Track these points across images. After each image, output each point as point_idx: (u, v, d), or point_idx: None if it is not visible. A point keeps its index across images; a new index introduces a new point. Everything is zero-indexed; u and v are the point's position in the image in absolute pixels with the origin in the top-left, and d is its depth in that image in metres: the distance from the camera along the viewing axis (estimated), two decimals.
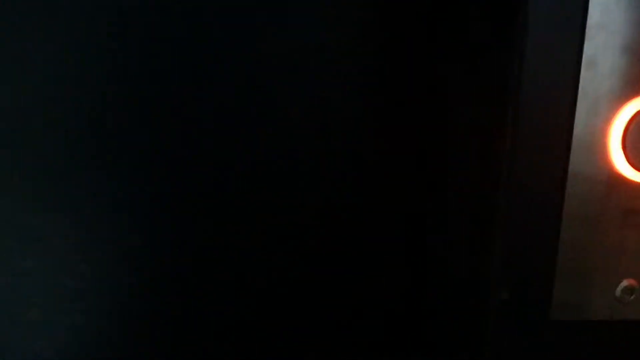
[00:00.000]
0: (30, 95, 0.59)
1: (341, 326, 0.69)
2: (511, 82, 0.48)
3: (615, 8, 0.47)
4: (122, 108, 0.61)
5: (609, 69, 0.48)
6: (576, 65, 0.48)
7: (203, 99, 0.61)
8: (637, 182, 0.49)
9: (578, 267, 0.50)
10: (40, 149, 0.61)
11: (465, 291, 0.59)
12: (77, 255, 0.64)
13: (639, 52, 0.48)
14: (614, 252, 0.50)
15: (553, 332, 0.51)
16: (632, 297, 0.50)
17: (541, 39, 0.47)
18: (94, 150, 0.61)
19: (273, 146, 0.63)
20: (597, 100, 0.48)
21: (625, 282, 0.51)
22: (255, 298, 0.67)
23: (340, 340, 0.70)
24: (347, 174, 0.65)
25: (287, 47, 0.61)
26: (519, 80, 0.48)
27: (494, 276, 0.50)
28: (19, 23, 0.58)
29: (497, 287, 0.50)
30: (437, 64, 0.61)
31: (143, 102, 0.61)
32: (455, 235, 0.61)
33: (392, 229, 0.67)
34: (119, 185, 0.63)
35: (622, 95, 0.48)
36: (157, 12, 0.59)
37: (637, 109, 0.48)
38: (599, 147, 0.49)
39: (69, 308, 0.66)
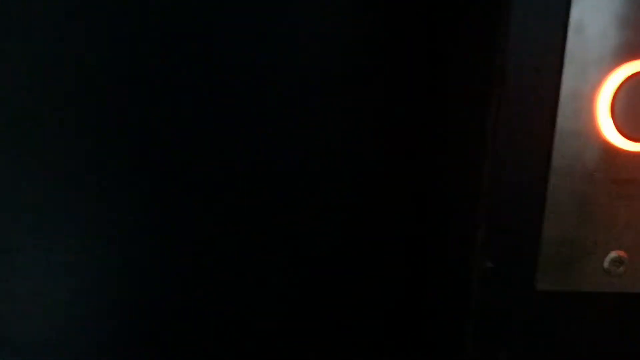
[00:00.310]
0: (29, 96, 0.60)
1: (341, 326, 0.68)
2: (497, 46, 0.48)
3: None
4: (121, 108, 0.61)
5: (597, 34, 0.47)
6: (563, 30, 0.47)
7: (202, 99, 0.62)
8: (626, 150, 0.48)
9: (565, 237, 0.49)
10: (38, 145, 0.62)
11: (464, 290, 0.58)
12: (75, 254, 0.64)
13: (628, 17, 0.47)
14: (602, 223, 0.49)
15: (539, 302, 0.49)
16: (620, 269, 0.49)
17: (528, 3, 0.47)
18: (93, 146, 0.62)
19: (272, 147, 0.63)
20: (585, 66, 0.48)
21: (613, 254, 0.49)
22: (255, 298, 0.67)
23: (340, 340, 0.68)
24: (346, 174, 0.65)
25: (286, 48, 0.62)
26: (504, 45, 0.47)
27: (478, 245, 0.48)
28: (19, 23, 0.59)
29: (481, 257, 0.48)
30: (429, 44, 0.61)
31: (142, 101, 0.61)
32: (453, 232, 0.60)
33: (392, 229, 0.67)
34: (119, 183, 0.63)
35: (611, 61, 0.48)
36: (157, 12, 0.59)
37: (626, 75, 0.48)
38: (586, 114, 0.48)
39: (66, 308, 0.65)
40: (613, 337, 0.51)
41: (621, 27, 0.47)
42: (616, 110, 0.48)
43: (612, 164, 0.48)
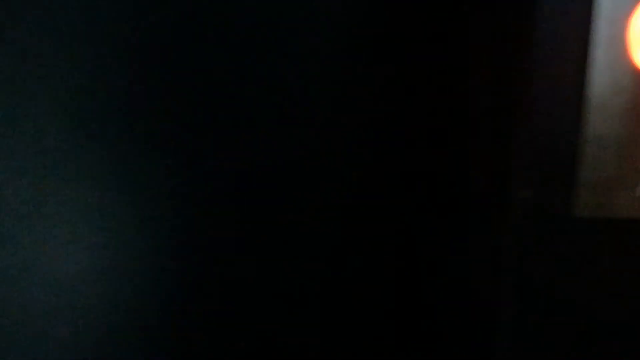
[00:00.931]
0: (33, 94, 0.59)
1: (341, 326, 0.68)
2: None
3: None
4: (120, 106, 0.61)
5: None
6: None
7: (201, 99, 0.61)
8: None
9: (600, 165, 0.49)
10: (43, 145, 0.60)
11: (466, 290, 0.58)
12: (77, 257, 0.63)
13: None
14: (636, 150, 0.49)
15: (575, 230, 0.49)
16: None
17: None
18: (101, 145, 0.61)
19: (269, 146, 0.63)
20: None
21: None
22: (254, 298, 0.66)
23: (340, 340, 0.68)
24: (346, 172, 0.65)
25: (289, 45, 0.61)
26: None
27: (515, 174, 0.49)
28: (23, 23, 0.58)
29: (518, 186, 0.49)
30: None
31: (142, 101, 0.61)
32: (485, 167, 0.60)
33: (392, 228, 0.67)
34: (119, 181, 0.62)
35: None
36: (157, 12, 0.59)
37: None
38: (620, 41, 0.48)
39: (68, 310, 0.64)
40: None
41: None
42: None
43: None
